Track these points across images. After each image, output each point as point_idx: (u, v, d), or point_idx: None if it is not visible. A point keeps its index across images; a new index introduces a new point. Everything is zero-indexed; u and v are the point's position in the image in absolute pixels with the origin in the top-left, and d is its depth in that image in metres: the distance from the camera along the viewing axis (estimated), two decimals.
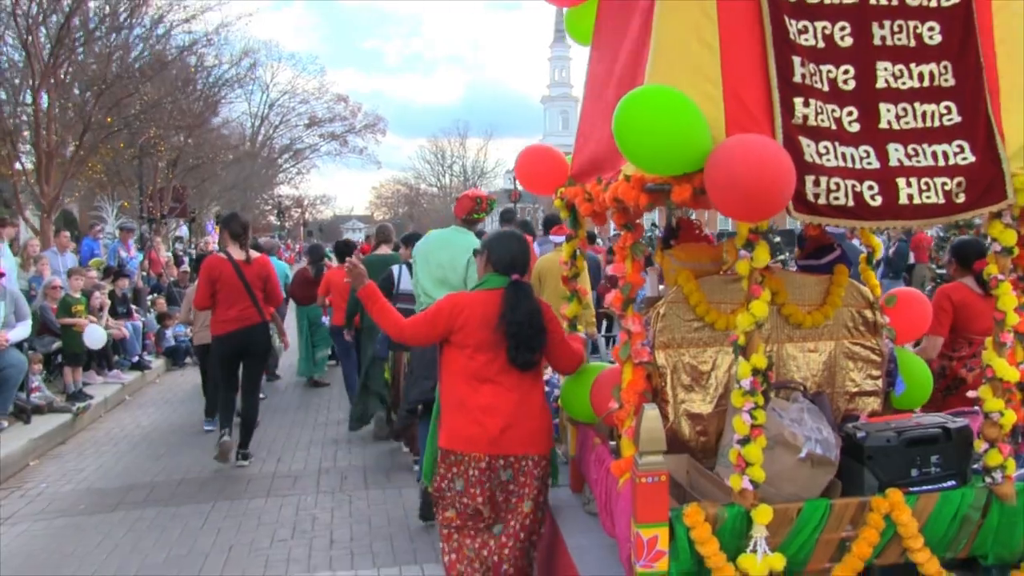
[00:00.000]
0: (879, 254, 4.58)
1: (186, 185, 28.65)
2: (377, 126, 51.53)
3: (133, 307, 13.40)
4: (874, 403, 4.07)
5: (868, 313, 4.06)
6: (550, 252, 8.01)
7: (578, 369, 4.34)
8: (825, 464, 3.30)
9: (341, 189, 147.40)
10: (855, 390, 4.05)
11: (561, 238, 8.35)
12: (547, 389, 5.70)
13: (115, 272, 13.30)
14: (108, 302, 11.88)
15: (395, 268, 7.51)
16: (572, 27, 4.69)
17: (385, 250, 8.89)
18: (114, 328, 11.78)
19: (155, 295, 15.10)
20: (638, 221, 3.44)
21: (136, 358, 12.55)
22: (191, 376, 12.72)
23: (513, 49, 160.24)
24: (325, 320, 10.72)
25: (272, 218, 51.49)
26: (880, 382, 4.08)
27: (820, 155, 3.10)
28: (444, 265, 5.86)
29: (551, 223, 8.81)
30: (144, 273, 15.78)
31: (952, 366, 4.82)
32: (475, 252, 4.82)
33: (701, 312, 3.83)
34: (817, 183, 3.06)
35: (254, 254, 7.72)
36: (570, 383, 4.41)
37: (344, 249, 10.55)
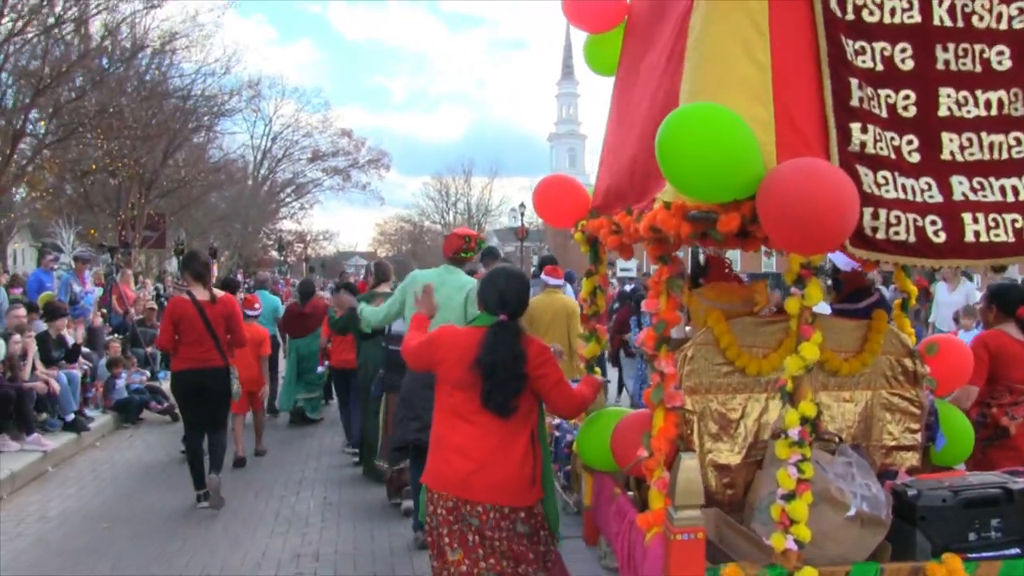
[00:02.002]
0: (914, 301, 4.32)
1: (163, 212, 26.66)
2: (381, 161, 51.63)
3: (86, 350, 11.21)
4: (912, 458, 3.81)
5: (908, 362, 3.80)
6: (540, 294, 7.71)
7: (579, 411, 4.07)
8: (875, 524, 3.04)
9: (344, 225, 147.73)
10: (892, 444, 3.79)
11: (556, 280, 8.11)
12: (558, 434, 5.44)
13: (52, 310, 10.82)
14: (34, 347, 9.54)
15: None
16: (593, 57, 4.50)
17: (384, 289, 8.55)
18: (41, 378, 9.45)
19: (115, 336, 12.82)
20: (675, 254, 3.19)
21: (71, 416, 9.86)
22: (143, 436, 10.55)
23: (518, 88, 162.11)
24: (321, 369, 10.51)
25: (274, 252, 51.19)
26: (919, 436, 3.82)
27: (879, 186, 2.87)
28: (438, 305, 5.71)
29: (545, 263, 8.50)
30: (104, 310, 13.70)
31: (993, 414, 4.54)
32: None
33: (732, 356, 3.58)
34: (876, 216, 2.82)
35: (219, 294, 7.49)
36: (587, 428, 4.13)
37: (347, 289, 10.30)
